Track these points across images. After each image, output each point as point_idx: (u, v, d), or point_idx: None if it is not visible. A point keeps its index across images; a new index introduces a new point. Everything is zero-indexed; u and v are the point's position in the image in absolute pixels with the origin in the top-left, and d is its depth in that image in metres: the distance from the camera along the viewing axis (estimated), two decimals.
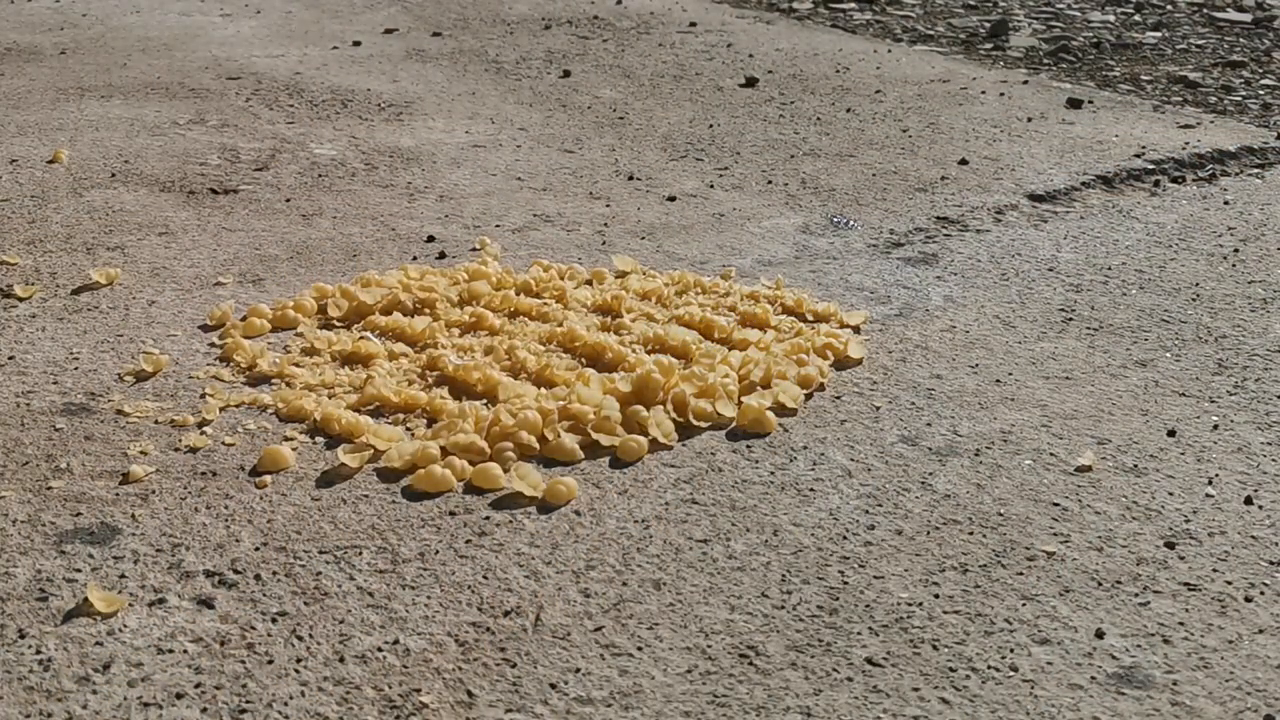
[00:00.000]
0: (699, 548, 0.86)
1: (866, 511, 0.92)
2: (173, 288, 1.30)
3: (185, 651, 0.74)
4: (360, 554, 0.84)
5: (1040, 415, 1.08)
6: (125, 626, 0.76)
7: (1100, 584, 0.84)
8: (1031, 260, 1.47)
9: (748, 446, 1.00)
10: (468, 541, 0.86)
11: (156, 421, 1.01)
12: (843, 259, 1.45)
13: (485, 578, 0.82)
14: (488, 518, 0.89)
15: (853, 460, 0.99)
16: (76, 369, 1.10)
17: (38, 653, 0.73)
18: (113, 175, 1.68)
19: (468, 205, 1.61)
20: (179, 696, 0.70)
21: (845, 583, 0.83)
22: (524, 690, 0.72)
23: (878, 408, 1.08)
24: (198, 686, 0.71)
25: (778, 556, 0.86)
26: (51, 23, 2.81)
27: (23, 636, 0.75)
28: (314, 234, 1.48)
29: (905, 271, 1.41)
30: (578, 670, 0.74)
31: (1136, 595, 0.83)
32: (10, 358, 1.12)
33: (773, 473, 0.97)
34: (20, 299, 1.25)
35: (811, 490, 0.94)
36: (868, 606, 0.81)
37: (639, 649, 0.76)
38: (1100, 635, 0.78)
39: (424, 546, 0.85)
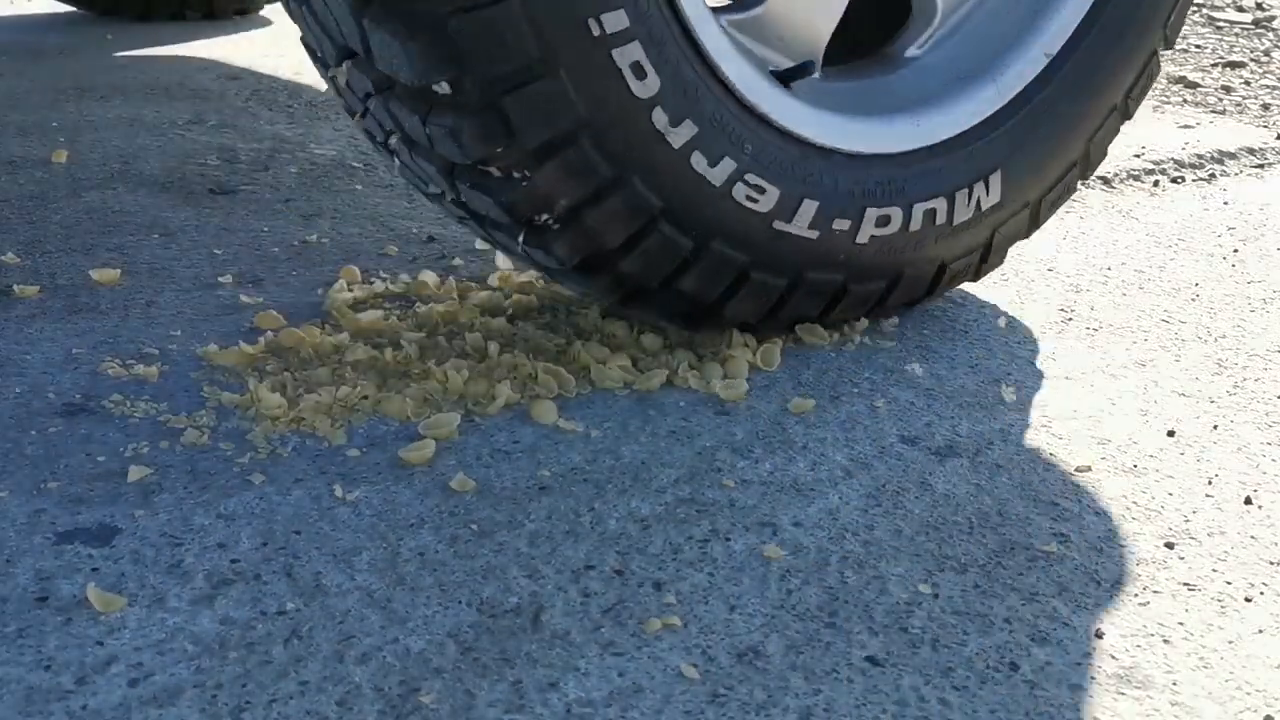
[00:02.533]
0: (699, 548, 0.87)
1: (866, 511, 0.92)
2: (172, 288, 1.30)
3: (185, 651, 0.74)
4: (360, 554, 0.84)
5: (1040, 415, 1.08)
6: (125, 626, 0.76)
7: (1100, 584, 0.84)
8: (1031, 260, 1.46)
9: (748, 447, 1.00)
10: (468, 542, 0.86)
11: (155, 421, 1.01)
12: None
13: (485, 578, 0.82)
14: (488, 517, 0.89)
15: (852, 460, 0.99)
16: (76, 369, 1.10)
17: (38, 652, 0.73)
18: (112, 176, 1.68)
19: None
20: (179, 696, 0.70)
21: (845, 582, 0.83)
22: (524, 690, 0.72)
23: (877, 408, 1.08)
24: (197, 686, 0.71)
25: (778, 556, 0.86)
26: (51, 22, 2.81)
27: (23, 636, 0.75)
28: (313, 235, 1.48)
29: None
30: (577, 670, 0.74)
31: (1136, 595, 0.83)
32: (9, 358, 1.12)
33: (772, 472, 0.97)
34: (20, 299, 1.25)
35: (812, 490, 0.94)
36: (867, 607, 0.81)
37: (639, 649, 0.76)
38: (1100, 635, 0.78)
39: (424, 546, 0.85)
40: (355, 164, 1.78)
